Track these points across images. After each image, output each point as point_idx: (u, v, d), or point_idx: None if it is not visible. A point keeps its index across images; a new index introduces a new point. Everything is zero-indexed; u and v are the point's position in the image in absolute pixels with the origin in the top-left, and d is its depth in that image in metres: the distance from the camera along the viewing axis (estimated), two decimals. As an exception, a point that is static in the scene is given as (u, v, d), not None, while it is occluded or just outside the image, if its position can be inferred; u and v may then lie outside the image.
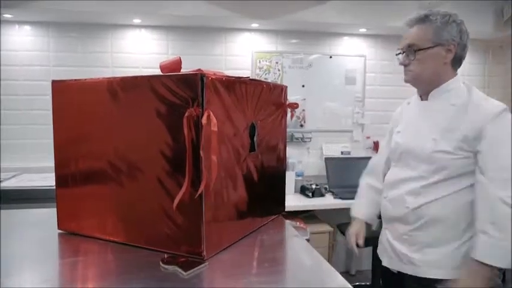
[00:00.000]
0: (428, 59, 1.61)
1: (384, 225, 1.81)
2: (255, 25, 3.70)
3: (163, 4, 3.27)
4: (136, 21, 3.54)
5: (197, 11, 3.31)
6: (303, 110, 3.94)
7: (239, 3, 3.38)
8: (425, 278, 1.61)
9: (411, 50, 1.62)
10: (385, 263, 1.78)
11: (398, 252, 1.69)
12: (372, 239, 2.18)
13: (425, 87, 1.68)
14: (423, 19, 1.62)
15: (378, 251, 1.87)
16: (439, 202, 1.57)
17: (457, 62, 1.64)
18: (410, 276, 1.65)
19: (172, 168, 1.12)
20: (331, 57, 4.00)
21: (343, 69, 4.03)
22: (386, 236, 1.77)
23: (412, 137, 1.68)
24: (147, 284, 1.00)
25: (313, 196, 3.56)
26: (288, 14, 3.48)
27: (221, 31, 3.81)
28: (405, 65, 1.66)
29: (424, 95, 1.70)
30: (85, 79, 1.27)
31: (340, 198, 3.51)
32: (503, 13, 3.75)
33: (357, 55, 4.05)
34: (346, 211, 3.90)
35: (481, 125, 1.50)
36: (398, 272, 1.71)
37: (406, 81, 1.70)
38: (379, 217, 1.88)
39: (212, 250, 1.14)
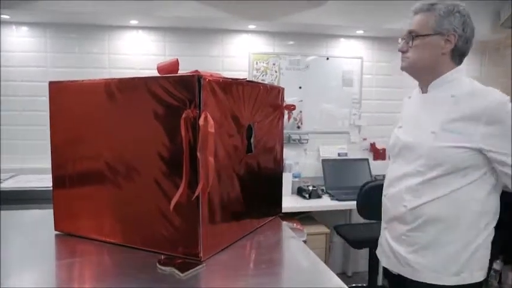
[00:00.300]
0: (426, 47, 1.58)
1: (382, 225, 1.77)
2: (252, 27, 3.71)
3: (160, 5, 3.27)
4: (133, 22, 3.54)
5: (194, 13, 3.32)
6: (300, 112, 3.94)
7: (236, 4, 3.38)
8: (424, 283, 1.57)
9: (410, 36, 1.60)
10: (384, 264, 1.75)
11: (397, 254, 1.65)
12: (368, 241, 2.18)
13: (422, 76, 1.65)
14: (428, 7, 1.59)
15: (377, 252, 1.83)
16: (437, 202, 1.53)
17: (457, 54, 1.60)
18: (409, 279, 1.61)
19: (169, 170, 1.12)
20: (328, 58, 4.01)
21: (340, 71, 4.04)
22: (385, 237, 1.73)
23: (412, 131, 1.64)
24: (144, 285, 1.00)
25: (310, 197, 3.56)
26: (284, 15, 3.49)
27: (218, 32, 3.81)
28: (403, 52, 1.64)
29: (424, 87, 1.66)
30: (82, 80, 1.27)
31: (337, 199, 3.51)
32: (500, 15, 3.77)
33: (354, 57, 4.06)
34: (342, 213, 3.96)
35: (490, 111, 1.45)
36: (399, 274, 1.67)
37: (402, 68, 1.66)
38: None
39: (209, 251, 1.14)
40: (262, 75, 3.88)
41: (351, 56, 4.06)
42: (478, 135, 1.46)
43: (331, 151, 4.03)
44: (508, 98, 1.48)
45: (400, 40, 1.67)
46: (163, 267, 1.06)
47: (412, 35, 1.60)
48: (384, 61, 4.09)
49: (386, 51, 4.07)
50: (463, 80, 1.59)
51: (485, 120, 1.45)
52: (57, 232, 1.35)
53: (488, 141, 1.46)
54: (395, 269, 1.68)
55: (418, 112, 1.66)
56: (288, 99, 3.80)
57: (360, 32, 3.89)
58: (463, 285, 1.54)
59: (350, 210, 3.89)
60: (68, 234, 1.33)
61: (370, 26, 3.69)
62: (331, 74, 4.02)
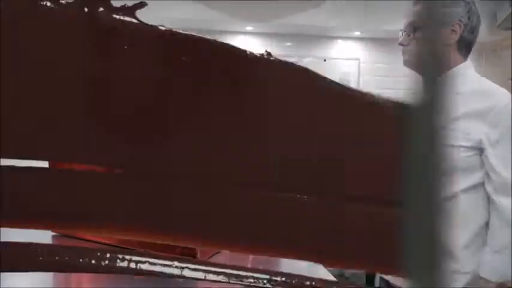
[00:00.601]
0: None
1: None
2: (249, 28, 3.71)
3: (155, 7, 3.26)
4: (131, 24, 3.53)
5: (191, 14, 3.32)
6: (298, 113, 3.94)
7: (233, 6, 3.38)
8: None
9: (411, 29, 1.47)
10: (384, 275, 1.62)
11: None
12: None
13: None
14: None
15: None
16: None
17: (463, 45, 1.47)
18: None
19: (166, 170, 1.11)
20: (325, 60, 4.01)
21: (337, 72, 4.04)
22: None
23: None
24: (141, 285, 1.00)
25: (307, 199, 3.56)
26: (282, 17, 3.49)
27: (215, 34, 3.81)
28: (404, 45, 1.51)
29: None
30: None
31: (335, 200, 3.51)
32: (496, 16, 3.77)
33: (351, 58, 4.07)
34: (340, 214, 3.95)
35: (499, 110, 1.37)
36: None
37: (405, 63, 1.52)
38: None
39: (206, 252, 1.14)
40: (260, 77, 3.87)
41: (348, 57, 4.06)
42: (479, 134, 1.37)
43: (328, 152, 4.02)
44: (510, 96, 1.42)
45: (400, 33, 1.54)
46: (160, 268, 1.06)
47: (414, 27, 1.45)
48: (382, 62, 4.08)
49: (383, 52, 4.06)
50: (471, 76, 1.49)
51: (490, 121, 1.37)
52: (53, 233, 1.34)
53: (487, 143, 1.37)
54: (394, 280, 1.54)
55: None
56: (286, 101, 3.79)
57: (357, 33, 3.89)
58: None
59: (347, 211, 3.88)
60: (64, 235, 1.33)
61: (367, 27, 3.70)
62: (328, 75, 3.97)
